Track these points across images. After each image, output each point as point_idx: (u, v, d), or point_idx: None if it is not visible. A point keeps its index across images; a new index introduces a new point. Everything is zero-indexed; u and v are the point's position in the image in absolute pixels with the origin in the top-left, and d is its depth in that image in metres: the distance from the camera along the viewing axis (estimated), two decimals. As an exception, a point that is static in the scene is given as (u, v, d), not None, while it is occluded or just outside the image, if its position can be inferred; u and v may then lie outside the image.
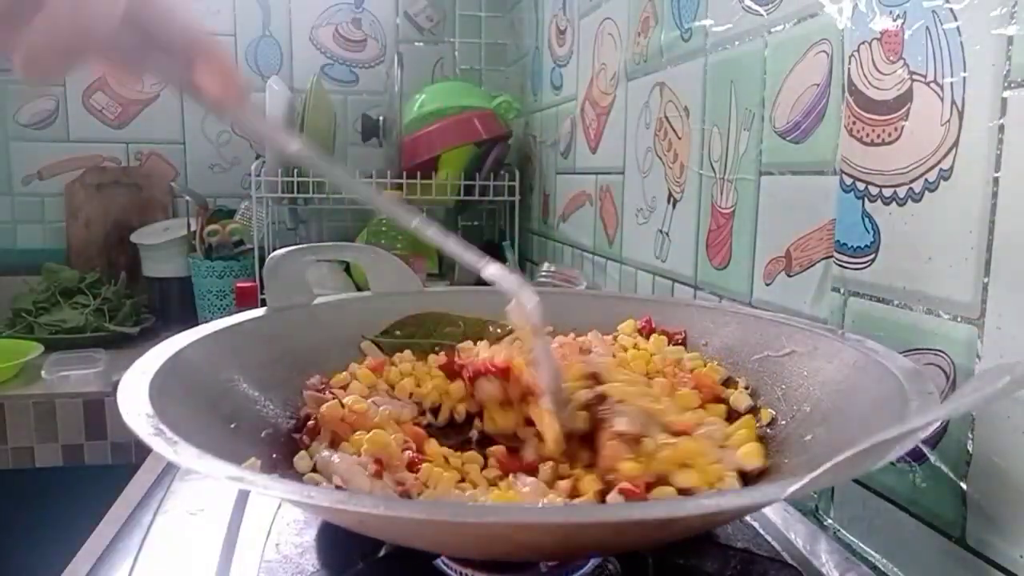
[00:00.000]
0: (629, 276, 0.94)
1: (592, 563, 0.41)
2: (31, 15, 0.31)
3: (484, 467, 0.47)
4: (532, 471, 0.44)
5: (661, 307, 0.63)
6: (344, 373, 0.55)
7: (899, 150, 0.47)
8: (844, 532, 0.52)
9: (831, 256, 0.54)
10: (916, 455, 0.45)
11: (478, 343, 0.59)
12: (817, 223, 0.56)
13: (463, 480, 0.44)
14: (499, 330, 0.63)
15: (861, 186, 0.50)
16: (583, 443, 0.45)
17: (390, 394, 0.54)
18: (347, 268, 1.37)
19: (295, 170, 1.30)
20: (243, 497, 0.52)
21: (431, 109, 1.36)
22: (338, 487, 0.41)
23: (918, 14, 0.45)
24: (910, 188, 0.46)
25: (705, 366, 0.54)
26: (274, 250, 0.62)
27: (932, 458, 0.44)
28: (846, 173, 0.52)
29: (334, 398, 0.49)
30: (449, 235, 0.48)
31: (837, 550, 0.49)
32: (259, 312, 0.57)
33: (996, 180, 0.40)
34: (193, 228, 1.38)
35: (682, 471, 0.40)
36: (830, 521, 0.54)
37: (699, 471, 0.40)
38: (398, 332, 0.62)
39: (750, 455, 0.42)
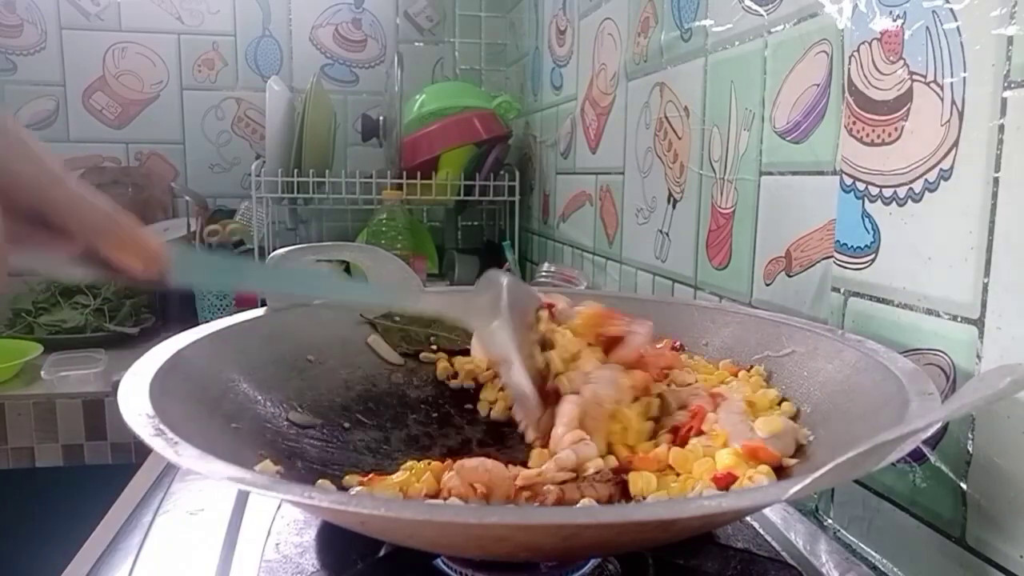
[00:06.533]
0: (629, 276, 0.94)
1: (592, 563, 0.41)
2: None
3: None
4: None
5: (661, 307, 0.63)
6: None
7: (899, 150, 0.47)
8: (844, 532, 0.52)
9: (831, 256, 0.54)
10: (916, 455, 0.45)
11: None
12: (817, 223, 0.55)
13: None
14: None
15: (861, 186, 0.50)
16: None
17: None
18: (347, 268, 1.37)
19: (295, 170, 1.30)
20: (243, 497, 0.52)
21: (431, 109, 1.36)
22: None
23: (918, 14, 0.45)
24: (910, 188, 0.46)
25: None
26: (274, 250, 0.62)
27: (932, 458, 0.44)
28: (846, 173, 0.52)
29: None
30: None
31: (837, 550, 0.49)
32: (259, 312, 0.57)
33: (996, 180, 0.40)
34: (193, 228, 1.38)
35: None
36: (830, 521, 0.54)
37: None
38: (397, 318, 0.62)
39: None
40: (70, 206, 0.34)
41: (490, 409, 0.56)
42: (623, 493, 0.40)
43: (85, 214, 0.34)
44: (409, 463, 0.43)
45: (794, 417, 0.47)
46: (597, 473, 0.41)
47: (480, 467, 0.40)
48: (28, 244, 0.33)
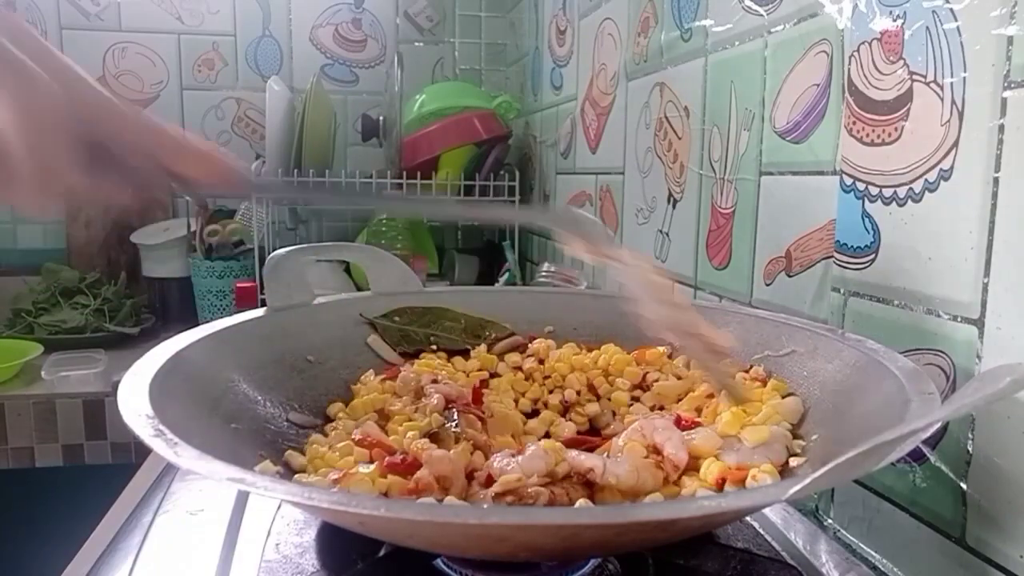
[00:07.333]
0: (629, 276, 0.94)
1: (592, 563, 0.41)
2: (6, 184, 0.33)
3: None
4: None
5: (661, 307, 0.63)
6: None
7: (899, 150, 0.47)
8: (844, 532, 0.52)
9: (831, 256, 0.54)
10: (916, 455, 0.45)
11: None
12: (817, 223, 0.55)
13: None
14: (494, 333, 0.63)
15: (861, 186, 0.50)
16: None
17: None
18: (347, 268, 1.37)
19: (295, 170, 1.30)
20: (243, 497, 0.52)
21: (431, 109, 1.36)
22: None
23: (918, 14, 0.45)
24: (910, 188, 0.46)
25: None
26: (274, 250, 0.62)
27: (932, 458, 0.44)
28: (846, 173, 0.52)
29: None
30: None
31: (837, 550, 0.49)
32: (259, 312, 0.57)
33: (996, 180, 0.40)
34: (193, 228, 1.38)
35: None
36: (830, 521, 0.54)
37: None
38: (397, 318, 0.63)
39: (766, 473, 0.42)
40: (131, 130, 0.37)
41: None
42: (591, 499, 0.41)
43: (144, 135, 0.37)
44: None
45: (803, 417, 0.46)
46: (569, 478, 0.41)
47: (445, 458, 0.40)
48: (95, 172, 0.36)
